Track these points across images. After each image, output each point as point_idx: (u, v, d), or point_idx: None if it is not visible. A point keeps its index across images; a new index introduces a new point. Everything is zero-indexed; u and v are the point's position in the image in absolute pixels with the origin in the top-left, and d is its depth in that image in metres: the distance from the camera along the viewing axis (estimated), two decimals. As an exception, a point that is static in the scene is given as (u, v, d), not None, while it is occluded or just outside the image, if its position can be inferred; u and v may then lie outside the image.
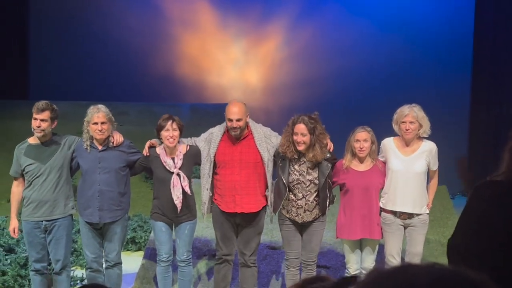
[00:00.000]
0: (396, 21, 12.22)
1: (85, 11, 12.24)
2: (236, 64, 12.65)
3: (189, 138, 5.62)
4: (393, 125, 5.51)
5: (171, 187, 5.39)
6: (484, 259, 2.15)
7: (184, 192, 5.39)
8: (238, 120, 5.30)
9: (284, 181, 5.29)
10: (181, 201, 5.39)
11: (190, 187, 5.45)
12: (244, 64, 12.64)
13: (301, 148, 5.22)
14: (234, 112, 5.31)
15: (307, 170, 5.30)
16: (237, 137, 5.38)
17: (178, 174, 5.39)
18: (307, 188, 5.32)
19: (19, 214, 5.70)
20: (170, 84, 12.35)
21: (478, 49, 12.19)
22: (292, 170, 5.30)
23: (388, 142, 5.54)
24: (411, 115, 5.39)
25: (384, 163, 5.51)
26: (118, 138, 5.55)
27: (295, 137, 5.22)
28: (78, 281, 6.60)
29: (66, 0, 12.26)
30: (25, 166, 5.45)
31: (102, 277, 5.68)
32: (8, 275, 6.44)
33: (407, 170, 5.39)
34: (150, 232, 7.25)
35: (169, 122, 5.37)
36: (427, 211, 5.54)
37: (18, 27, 12.13)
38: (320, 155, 5.26)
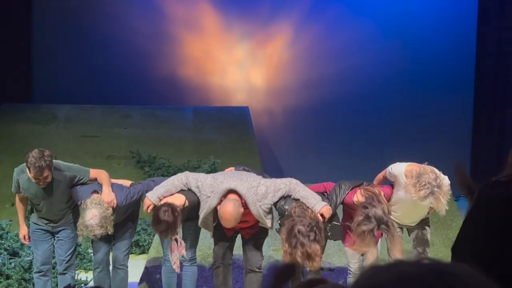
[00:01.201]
0: (400, 24, 12.21)
1: (88, 14, 12.26)
2: (240, 66, 12.66)
3: (184, 179, 5.30)
4: (407, 179, 4.99)
5: (169, 252, 5.31)
6: (489, 260, 2.15)
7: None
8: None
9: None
10: (178, 265, 5.31)
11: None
12: (248, 66, 12.65)
13: None
14: (228, 225, 5.14)
15: None
16: None
17: (175, 239, 5.27)
18: None
19: (27, 217, 5.74)
20: (173, 87, 12.35)
21: (481, 52, 12.19)
22: None
23: (399, 174, 5.15)
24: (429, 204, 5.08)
25: (392, 186, 5.39)
26: (111, 203, 5.27)
27: None
28: (82, 285, 6.61)
29: (69, 2, 12.29)
30: (26, 196, 5.47)
31: (109, 277, 5.70)
32: (13, 279, 6.46)
33: (414, 202, 5.17)
34: (154, 235, 7.26)
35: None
36: (428, 215, 5.57)
37: (21, 30, 12.16)
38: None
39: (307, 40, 12.43)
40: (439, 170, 5.13)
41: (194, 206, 5.24)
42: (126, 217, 5.58)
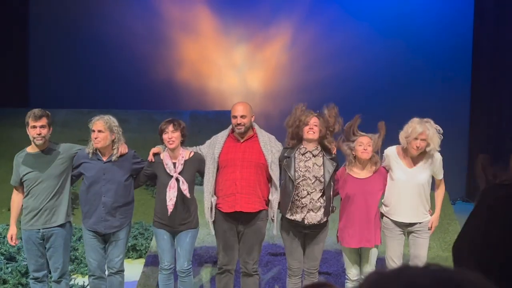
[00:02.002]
0: (396, 25, 12.24)
1: (85, 18, 12.26)
2: (237, 70, 12.66)
3: (194, 147, 5.64)
4: (401, 137, 5.39)
5: (167, 190, 5.37)
6: (490, 261, 2.14)
7: (182, 196, 5.38)
8: (242, 117, 5.39)
9: (291, 176, 5.30)
10: (174, 204, 5.36)
11: (191, 191, 5.44)
12: (245, 69, 12.66)
13: (312, 136, 5.44)
14: (239, 109, 5.43)
15: (313, 166, 5.33)
16: (241, 135, 5.41)
17: (177, 179, 5.39)
18: (313, 185, 5.32)
19: (18, 222, 5.69)
20: (170, 91, 12.36)
21: (477, 54, 12.21)
22: (297, 167, 5.32)
23: (392, 153, 5.47)
24: (424, 133, 5.28)
25: (387, 170, 5.50)
26: (122, 150, 5.54)
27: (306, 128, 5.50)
28: (79, 289, 6.59)
29: (66, 7, 12.29)
30: (24, 175, 5.44)
31: (105, 284, 5.66)
32: (9, 284, 6.44)
33: (410, 181, 5.36)
34: (151, 240, 7.25)
35: (169, 125, 5.41)
36: (429, 217, 5.55)
37: (18, 34, 12.15)
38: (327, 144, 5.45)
39: (305, 43, 12.44)
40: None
41: (198, 158, 5.50)
42: (123, 214, 5.54)
